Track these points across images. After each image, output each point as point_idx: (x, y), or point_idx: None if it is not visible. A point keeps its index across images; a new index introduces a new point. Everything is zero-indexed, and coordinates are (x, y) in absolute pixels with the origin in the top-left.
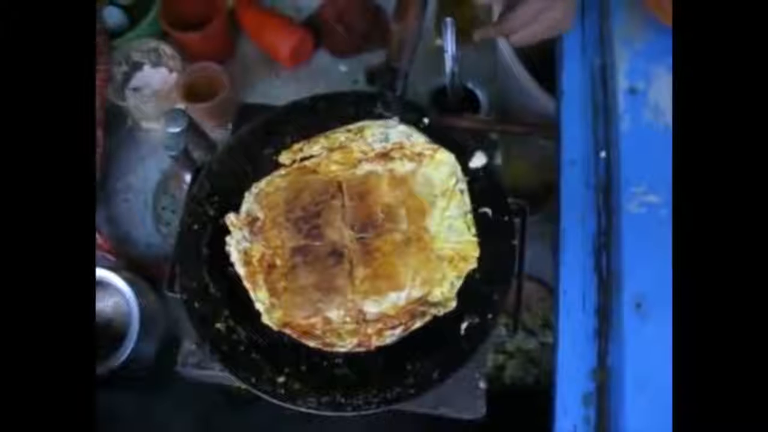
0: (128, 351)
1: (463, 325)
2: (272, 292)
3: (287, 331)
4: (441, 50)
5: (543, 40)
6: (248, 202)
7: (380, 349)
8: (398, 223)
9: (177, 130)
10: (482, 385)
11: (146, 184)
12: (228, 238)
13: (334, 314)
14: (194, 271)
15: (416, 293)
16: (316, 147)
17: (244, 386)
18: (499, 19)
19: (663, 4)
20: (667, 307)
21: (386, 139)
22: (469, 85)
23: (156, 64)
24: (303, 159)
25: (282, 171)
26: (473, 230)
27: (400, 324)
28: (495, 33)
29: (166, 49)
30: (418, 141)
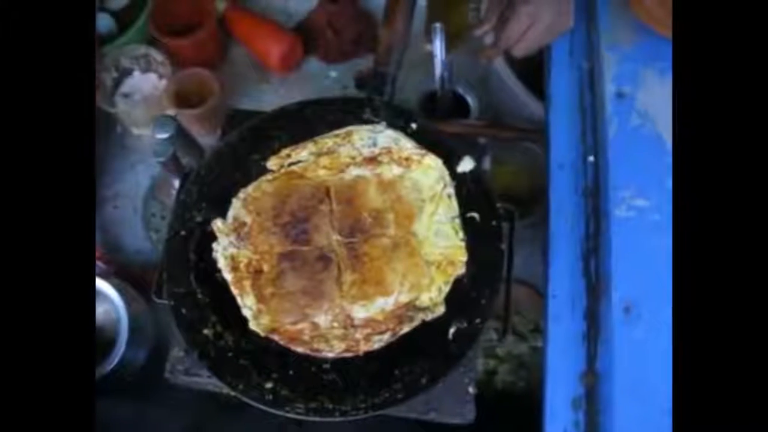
0: (117, 358)
1: (452, 330)
2: (259, 297)
3: (275, 336)
4: (430, 56)
5: (546, 44)
6: (235, 208)
7: (368, 355)
8: (386, 228)
9: (166, 136)
10: (471, 389)
11: (136, 191)
12: (215, 245)
13: (322, 319)
14: (181, 278)
15: (404, 298)
16: (304, 152)
17: (232, 392)
18: (496, 36)
19: (651, 10)
20: (656, 311)
21: (374, 144)
22: (459, 90)
23: (145, 70)
24: (291, 164)
25: (269, 176)
26: (461, 235)
27: (388, 329)
28: (497, 52)
29: (156, 55)
30: (406, 146)
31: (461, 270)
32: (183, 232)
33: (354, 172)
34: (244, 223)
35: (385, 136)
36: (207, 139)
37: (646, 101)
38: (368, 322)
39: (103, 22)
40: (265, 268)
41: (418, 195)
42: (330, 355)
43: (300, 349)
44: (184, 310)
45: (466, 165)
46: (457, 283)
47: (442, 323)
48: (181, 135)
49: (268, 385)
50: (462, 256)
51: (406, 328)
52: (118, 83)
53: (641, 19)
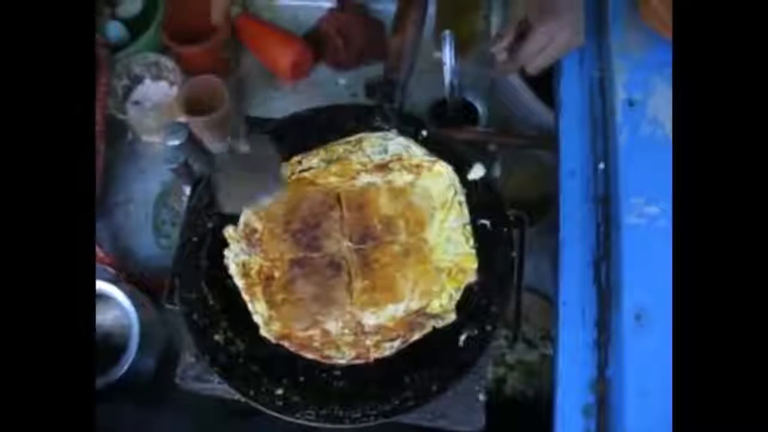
0: (127, 364)
1: (462, 338)
2: (271, 304)
3: (285, 343)
4: (440, 63)
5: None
6: (246, 214)
7: (379, 362)
8: (397, 235)
9: (177, 143)
10: (481, 397)
11: (146, 197)
12: (226, 251)
13: (333, 326)
14: (193, 283)
15: (415, 305)
16: (314, 159)
17: (242, 398)
18: (512, 51)
19: (661, 17)
20: (667, 319)
21: (385, 151)
22: (468, 98)
23: (157, 78)
24: (302, 171)
25: None
26: (472, 242)
27: (399, 336)
28: (513, 67)
29: (167, 62)
30: (417, 153)
31: (472, 277)
32: (195, 238)
33: (365, 179)
34: (255, 230)
35: (396, 144)
36: (218, 146)
37: (656, 108)
38: (379, 328)
39: (115, 31)
40: (276, 274)
41: (429, 202)
42: (340, 361)
43: (310, 356)
44: (195, 316)
45: (476, 172)
46: (468, 290)
47: (452, 330)
48: (192, 142)
49: (279, 392)
50: (473, 263)
51: (416, 335)
52: (129, 91)
53: (652, 25)
